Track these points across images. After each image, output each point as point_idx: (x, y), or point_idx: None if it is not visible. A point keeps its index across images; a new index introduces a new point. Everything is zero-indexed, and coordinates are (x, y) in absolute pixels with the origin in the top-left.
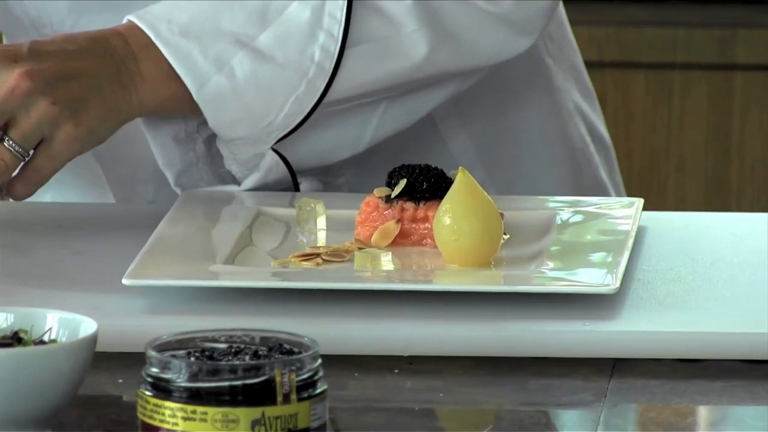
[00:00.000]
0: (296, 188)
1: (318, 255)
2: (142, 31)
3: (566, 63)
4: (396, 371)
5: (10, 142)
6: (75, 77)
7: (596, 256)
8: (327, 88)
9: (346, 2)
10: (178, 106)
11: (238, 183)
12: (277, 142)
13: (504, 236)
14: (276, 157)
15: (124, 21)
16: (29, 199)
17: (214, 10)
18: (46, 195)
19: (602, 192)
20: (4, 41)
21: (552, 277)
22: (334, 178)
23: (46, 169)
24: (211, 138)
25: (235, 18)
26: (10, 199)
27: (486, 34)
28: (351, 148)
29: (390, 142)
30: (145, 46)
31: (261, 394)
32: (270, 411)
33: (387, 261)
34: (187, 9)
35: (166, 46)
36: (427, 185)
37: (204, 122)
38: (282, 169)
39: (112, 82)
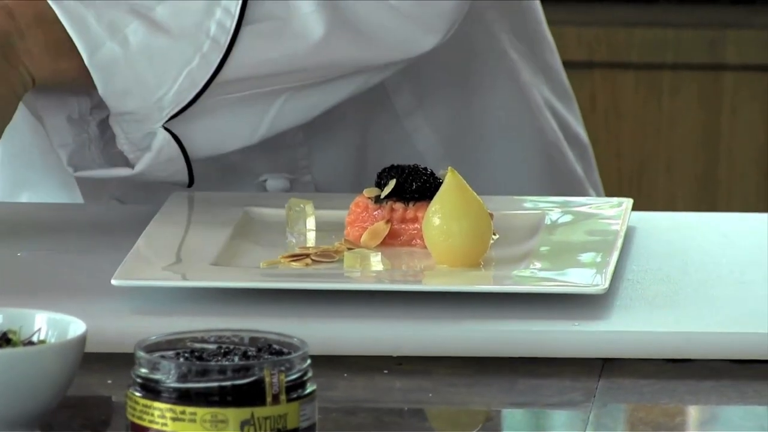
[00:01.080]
0: (191, 177)
1: (307, 255)
2: (30, 2)
3: (538, 61)
4: (385, 372)
5: None
6: None
7: (585, 257)
8: (221, 65)
9: None
10: (70, 78)
11: (131, 166)
12: (170, 120)
13: (493, 236)
14: (168, 136)
15: None
16: (8, 200)
17: None
18: (22, 195)
19: (579, 186)
20: None
21: (541, 277)
22: (300, 175)
23: None
24: (105, 121)
25: None
26: None
27: (386, 27)
28: (245, 138)
29: (355, 140)
30: (34, 19)
31: (250, 395)
32: (259, 411)
33: (376, 261)
34: None
35: (60, 10)
36: (416, 186)
37: (98, 105)
38: (174, 149)
39: None
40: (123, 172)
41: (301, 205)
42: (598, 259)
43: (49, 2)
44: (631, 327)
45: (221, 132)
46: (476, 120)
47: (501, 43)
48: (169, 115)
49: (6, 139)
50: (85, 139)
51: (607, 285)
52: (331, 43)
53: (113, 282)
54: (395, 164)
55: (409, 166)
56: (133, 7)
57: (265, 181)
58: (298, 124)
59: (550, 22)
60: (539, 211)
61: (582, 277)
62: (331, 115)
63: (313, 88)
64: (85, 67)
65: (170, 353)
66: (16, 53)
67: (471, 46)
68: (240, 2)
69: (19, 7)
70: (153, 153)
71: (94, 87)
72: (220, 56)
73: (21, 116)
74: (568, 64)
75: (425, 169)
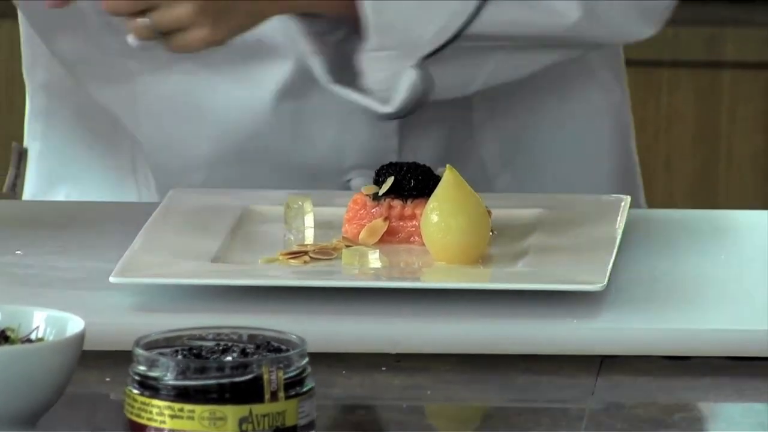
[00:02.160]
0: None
1: (305, 253)
2: None
3: (614, 64)
4: (383, 368)
5: (146, 21)
6: None
7: (583, 254)
8: (474, 17)
9: None
10: (331, 7)
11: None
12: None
13: (492, 233)
14: (414, 76)
15: None
16: (43, 195)
17: None
18: (60, 190)
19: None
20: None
21: (539, 274)
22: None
23: (165, 46)
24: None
25: None
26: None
27: (622, 14)
28: (460, 88)
29: (438, 151)
30: None
31: (249, 392)
32: (258, 409)
33: (374, 259)
34: None
35: None
36: (414, 183)
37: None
38: (420, 90)
39: None
40: (380, 107)
41: (300, 203)
42: (596, 257)
43: None
44: (629, 324)
45: (446, 81)
46: (546, 133)
47: (592, 62)
48: (421, 56)
49: (46, 131)
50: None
51: (605, 282)
52: (579, 27)
53: (111, 279)
54: (393, 161)
55: (407, 163)
56: None
57: (349, 180)
58: (504, 81)
59: None
60: (537, 208)
61: (580, 275)
62: (421, 121)
63: (525, 52)
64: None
65: (168, 350)
66: None
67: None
68: None
69: None
70: (402, 93)
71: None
72: (475, 7)
73: (69, 109)
74: None
75: (423, 166)
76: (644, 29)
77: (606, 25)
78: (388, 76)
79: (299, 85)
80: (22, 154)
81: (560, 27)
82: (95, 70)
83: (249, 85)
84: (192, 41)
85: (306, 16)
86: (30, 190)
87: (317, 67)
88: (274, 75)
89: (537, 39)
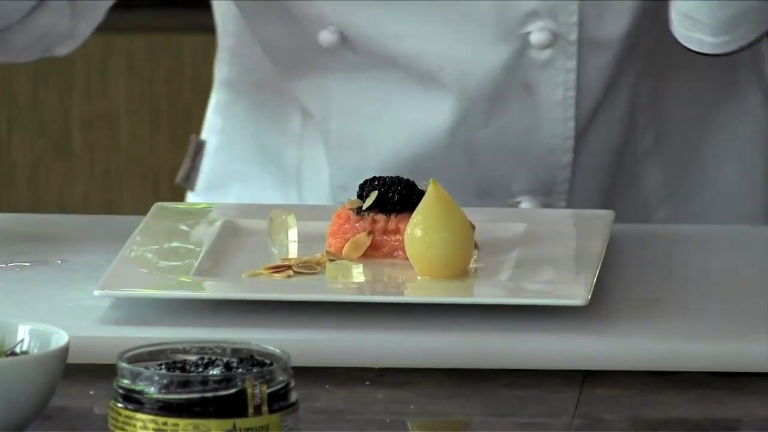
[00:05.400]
0: None
1: (289, 267)
2: None
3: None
4: (367, 383)
5: None
6: None
7: (567, 268)
8: None
9: None
10: None
11: None
12: None
13: (475, 252)
14: None
15: None
16: (216, 188)
17: None
18: (233, 187)
19: None
20: None
21: (523, 288)
22: (555, 201)
23: None
24: None
25: None
26: None
27: None
28: None
29: (606, 183)
30: None
31: (232, 406)
32: (241, 423)
33: (358, 273)
34: None
35: None
36: (398, 197)
37: None
38: None
39: None
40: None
41: (283, 217)
42: (580, 271)
43: None
44: (612, 339)
45: None
46: (708, 161)
47: (743, 84)
48: None
49: (224, 127)
50: None
51: (588, 297)
52: None
53: (96, 292)
54: (377, 176)
55: (390, 177)
56: None
57: (519, 203)
58: None
59: None
60: (521, 223)
61: (564, 289)
62: (592, 152)
63: None
64: None
65: (152, 364)
66: None
67: (714, 88)
68: None
69: None
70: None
71: None
72: None
73: (246, 107)
74: None
75: (407, 180)
76: None
77: None
78: None
79: (472, 122)
80: (200, 147)
81: None
82: (295, 58)
83: (428, 109)
84: None
85: None
86: (202, 185)
87: None
88: (444, 111)
89: None
